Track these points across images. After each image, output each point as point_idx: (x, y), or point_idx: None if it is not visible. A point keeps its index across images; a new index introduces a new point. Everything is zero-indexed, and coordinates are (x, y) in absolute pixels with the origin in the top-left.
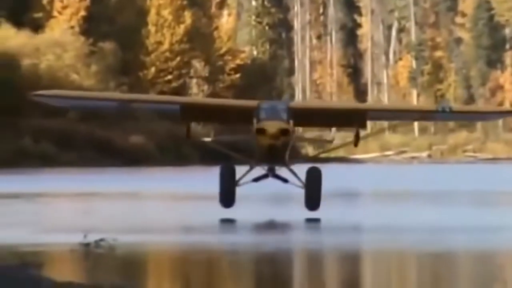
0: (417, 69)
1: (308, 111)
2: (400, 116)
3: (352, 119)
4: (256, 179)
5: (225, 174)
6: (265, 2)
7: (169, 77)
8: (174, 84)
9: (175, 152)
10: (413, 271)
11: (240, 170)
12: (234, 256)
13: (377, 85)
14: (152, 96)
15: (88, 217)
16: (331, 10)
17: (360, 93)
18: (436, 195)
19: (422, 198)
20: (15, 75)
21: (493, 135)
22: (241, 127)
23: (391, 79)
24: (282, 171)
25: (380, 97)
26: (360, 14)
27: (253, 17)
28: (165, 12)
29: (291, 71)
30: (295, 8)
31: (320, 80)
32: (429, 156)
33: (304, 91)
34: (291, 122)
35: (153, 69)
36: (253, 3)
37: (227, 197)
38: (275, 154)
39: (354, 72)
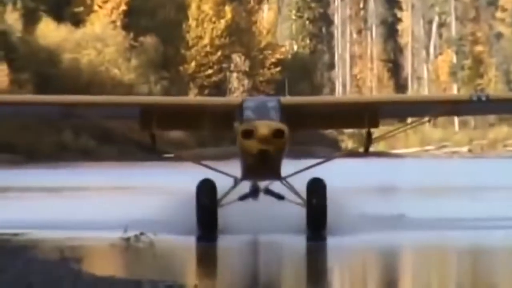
0: (457, 64)
1: (305, 108)
2: (427, 109)
3: (361, 116)
4: (243, 197)
5: (204, 192)
6: None
7: (210, 71)
8: (214, 78)
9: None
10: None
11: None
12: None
13: (417, 79)
14: (102, 98)
15: (128, 211)
16: (371, 5)
17: (400, 87)
18: (476, 190)
19: (462, 193)
20: (56, 70)
21: None
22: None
23: (432, 74)
24: (275, 186)
25: (420, 91)
26: (401, 9)
27: (294, 12)
28: (206, 7)
29: (331, 66)
30: (336, 2)
31: (360, 75)
32: (470, 150)
33: (344, 85)
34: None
35: (193, 64)
36: None
37: (207, 221)
38: (267, 164)
39: (394, 66)
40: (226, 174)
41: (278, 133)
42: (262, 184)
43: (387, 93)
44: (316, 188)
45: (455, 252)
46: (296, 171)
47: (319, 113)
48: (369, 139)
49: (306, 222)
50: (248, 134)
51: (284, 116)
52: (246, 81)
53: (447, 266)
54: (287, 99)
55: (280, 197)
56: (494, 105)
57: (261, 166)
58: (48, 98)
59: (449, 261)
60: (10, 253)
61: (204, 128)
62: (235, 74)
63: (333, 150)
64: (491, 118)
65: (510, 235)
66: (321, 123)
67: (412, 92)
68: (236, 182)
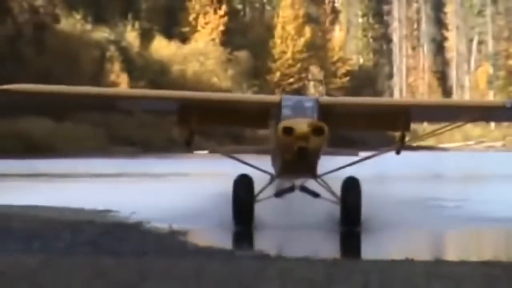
0: (493, 75)
1: (342, 108)
2: (458, 114)
3: (395, 118)
4: (279, 193)
5: (241, 187)
6: (370, 19)
7: (291, 80)
8: (295, 86)
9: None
10: None
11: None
12: None
13: (461, 87)
14: (140, 91)
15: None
16: (423, 26)
17: (447, 94)
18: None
19: (498, 180)
20: (167, 79)
21: None
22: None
23: (472, 83)
24: (310, 184)
25: (463, 97)
26: (447, 30)
27: (360, 32)
28: (289, 27)
29: (390, 76)
30: (394, 24)
31: (414, 83)
32: (503, 145)
33: (401, 91)
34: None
35: (278, 74)
36: (360, 20)
37: (244, 215)
38: (304, 161)
39: (442, 76)
40: (262, 171)
41: (317, 131)
42: (298, 181)
43: (435, 98)
44: (350, 186)
45: None
46: (331, 170)
47: (355, 114)
48: (402, 141)
49: (340, 219)
50: (288, 131)
51: (322, 115)
52: (321, 88)
53: None
54: (325, 98)
55: (315, 194)
56: None
57: (299, 163)
58: (85, 90)
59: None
60: (129, 227)
61: (242, 125)
62: (312, 83)
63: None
64: None
65: None
66: (357, 124)
67: (456, 97)
68: (272, 178)
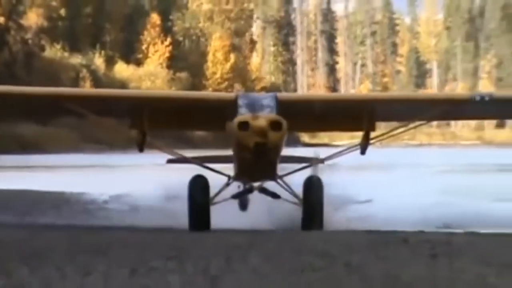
0: (372, 89)
1: (302, 104)
2: (421, 110)
3: (359, 115)
4: (236, 195)
5: (196, 189)
6: (279, 48)
7: None
8: None
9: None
10: None
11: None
12: None
13: None
14: (91, 91)
15: None
16: (319, 53)
17: None
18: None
19: None
20: None
21: None
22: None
23: None
24: (269, 184)
25: None
26: (338, 56)
27: (272, 57)
28: (218, 54)
29: (295, 91)
30: (298, 52)
31: None
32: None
33: None
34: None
35: (210, 89)
36: (272, 48)
37: (199, 218)
38: (263, 158)
39: (334, 91)
40: (219, 173)
41: (275, 125)
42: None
43: None
44: (313, 186)
45: None
46: (292, 171)
47: (316, 111)
48: (367, 140)
49: (302, 220)
50: (244, 126)
51: (282, 113)
52: None
53: None
54: (284, 94)
55: (275, 195)
56: (499, 106)
57: (257, 161)
58: (37, 90)
59: None
60: (97, 206)
61: (197, 127)
62: None
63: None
64: None
65: None
66: (319, 123)
67: None
68: (229, 179)
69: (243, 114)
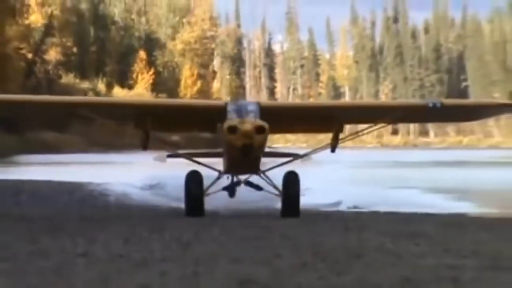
0: None
1: (281, 110)
2: (383, 114)
3: (330, 118)
4: (226, 188)
5: (192, 182)
6: (233, 76)
7: None
8: None
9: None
10: None
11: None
12: None
13: None
14: (102, 99)
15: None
16: (263, 80)
17: None
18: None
19: None
20: None
21: None
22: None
23: None
24: (254, 178)
25: None
26: (276, 82)
27: (228, 83)
28: (188, 81)
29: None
30: (246, 79)
31: None
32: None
33: None
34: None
35: None
36: (228, 77)
37: (195, 206)
38: (248, 157)
39: None
40: (211, 168)
41: (259, 129)
42: (243, 176)
43: None
44: (290, 179)
45: None
46: (273, 166)
47: (293, 116)
48: (336, 140)
49: (281, 208)
50: (233, 129)
51: (263, 117)
52: None
53: None
54: (266, 102)
55: (259, 188)
56: (448, 111)
57: (244, 159)
58: (54, 99)
59: None
60: (100, 192)
61: (193, 129)
62: None
63: None
64: None
65: None
66: (295, 126)
67: None
68: (220, 174)
69: (232, 119)
